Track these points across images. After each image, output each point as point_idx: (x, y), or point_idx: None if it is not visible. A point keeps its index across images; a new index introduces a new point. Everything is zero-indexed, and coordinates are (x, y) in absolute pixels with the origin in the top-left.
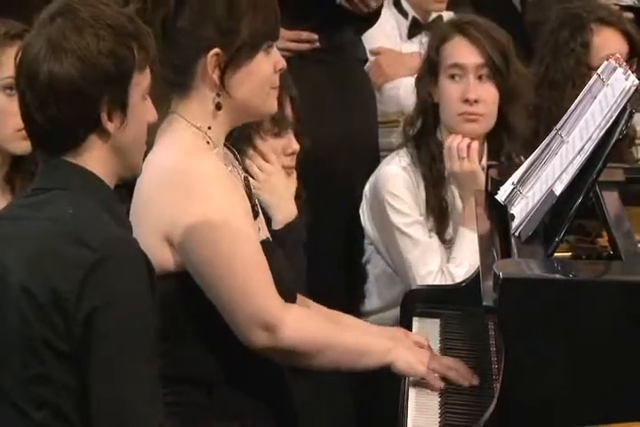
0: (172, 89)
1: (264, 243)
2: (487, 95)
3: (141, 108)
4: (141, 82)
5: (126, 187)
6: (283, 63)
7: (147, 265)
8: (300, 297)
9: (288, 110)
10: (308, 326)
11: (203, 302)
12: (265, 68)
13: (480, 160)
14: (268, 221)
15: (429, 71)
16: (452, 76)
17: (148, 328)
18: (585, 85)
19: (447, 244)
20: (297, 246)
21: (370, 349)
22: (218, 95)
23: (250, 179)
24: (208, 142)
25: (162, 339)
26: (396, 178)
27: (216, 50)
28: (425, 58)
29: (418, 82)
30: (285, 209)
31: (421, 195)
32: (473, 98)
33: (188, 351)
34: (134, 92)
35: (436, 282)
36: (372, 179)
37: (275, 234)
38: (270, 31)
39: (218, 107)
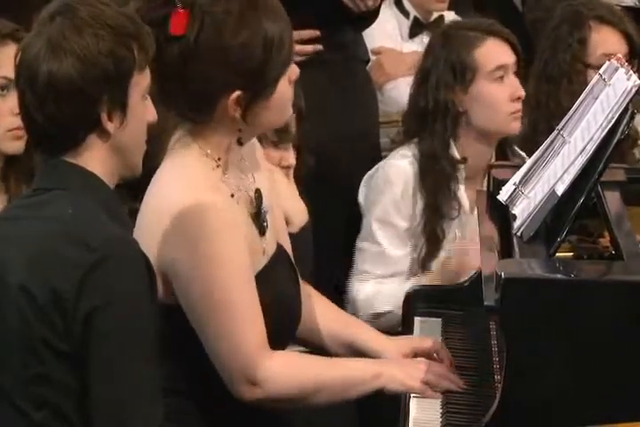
0: (185, 120)
1: (267, 270)
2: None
3: (141, 107)
4: (141, 82)
5: (127, 187)
6: (296, 72)
7: (146, 265)
8: (307, 289)
9: (292, 123)
10: (293, 374)
11: (191, 334)
12: (285, 91)
13: (489, 160)
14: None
15: (459, 79)
16: (498, 78)
17: (148, 328)
18: (580, 82)
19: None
20: (310, 249)
21: (359, 379)
22: (239, 131)
23: (263, 191)
24: (218, 166)
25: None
26: (399, 175)
27: (238, 92)
28: (449, 68)
29: (435, 92)
30: (298, 210)
31: (420, 198)
32: (523, 94)
33: (182, 366)
34: (134, 92)
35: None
36: (370, 179)
37: (290, 238)
38: (289, 59)
39: (240, 142)
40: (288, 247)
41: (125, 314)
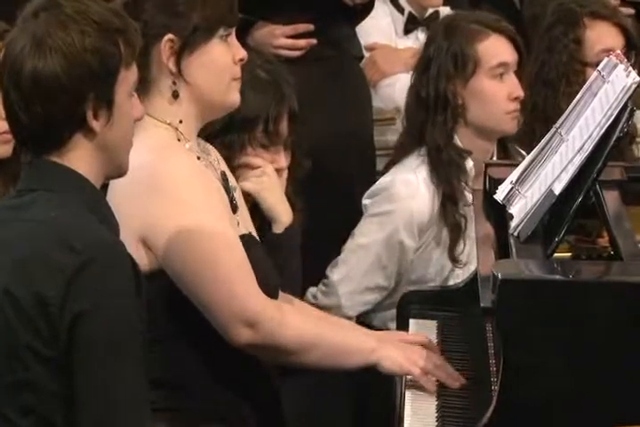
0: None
1: (244, 237)
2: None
3: (128, 105)
4: (128, 78)
5: None
6: (243, 53)
7: (133, 267)
8: (287, 296)
9: (284, 125)
10: (293, 323)
11: (180, 300)
12: (222, 55)
13: (491, 159)
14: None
15: (460, 71)
16: (498, 76)
17: (135, 332)
18: (579, 82)
19: (457, 263)
20: (296, 249)
21: (354, 348)
22: (174, 83)
23: (228, 174)
24: (179, 139)
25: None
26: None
27: (169, 35)
28: (450, 59)
29: (436, 82)
30: (286, 210)
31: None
32: (521, 95)
33: (169, 354)
34: (120, 90)
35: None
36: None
37: (275, 238)
38: (224, 16)
39: (174, 95)
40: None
41: (112, 318)
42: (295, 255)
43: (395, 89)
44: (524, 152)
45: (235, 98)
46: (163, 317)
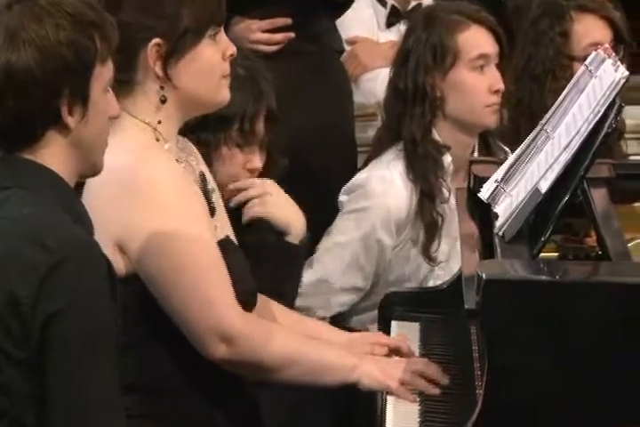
0: (115, 86)
1: (224, 242)
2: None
3: (103, 101)
4: (103, 74)
5: None
6: (232, 49)
7: (108, 267)
8: (265, 299)
9: (260, 124)
10: (272, 339)
11: (154, 305)
12: (211, 55)
13: (472, 154)
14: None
15: (439, 63)
16: (479, 68)
17: (110, 332)
18: (566, 77)
19: (432, 262)
20: (303, 260)
21: (333, 366)
22: (162, 88)
23: (207, 174)
24: (158, 139)
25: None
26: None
27: (156, 40)
28: (429, 50)
29: (414, 74)
30: (298, 221)
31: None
32: (502, 88)
33: (143, 359)
34: (96, 85)
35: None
36: (358, 183)
37: (294, 248)
38: (214, 15)
39: (162, 100)
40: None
41: (86, 319)
42: (301, 266)
43: (376, 84)
44: (507, 149)
45: (225, 95)
46: (137, 321)
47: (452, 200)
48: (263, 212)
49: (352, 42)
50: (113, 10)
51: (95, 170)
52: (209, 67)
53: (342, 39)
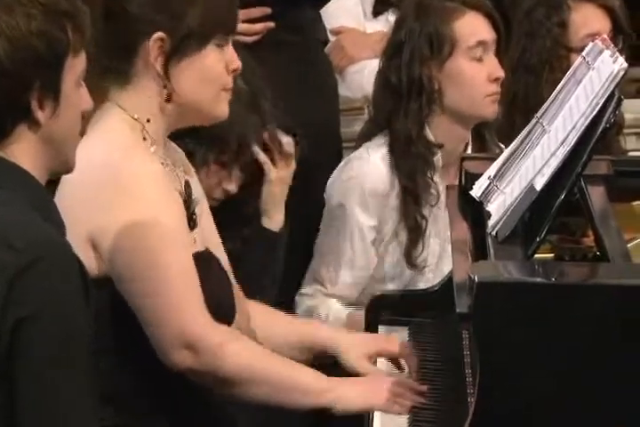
0: (109, 76)
1: (200, 255)
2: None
3: (75, 95)
4: (76, 66)
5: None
6: (237, 64)
7: (80, 269)
8: (255, 305)
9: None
10: (239, 353)
11: (125, 312)
12: (215, 64)
13: (465, 149)
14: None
15: (436, 53)
16: (477, 56)
17: (82, 337)
18: (563, 69)
19: (414, 267)
20: (282, 253)
21: (306, 388)
22: (165, 87)
23: (192, 183)
24: (145, 138)
25: None
26: (375, 172)
27: (160, 34)
28: (425, 40)
29: (409, 67)
30: (282, 210)
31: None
32: (502, 75)
33: (116, 368)
34: (68, 78)
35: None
36: (340, 174)
37: (272, 235)
38: (224, 22)
39: (168, 99)
40: (216, 249)
41: (58, 322)
42: (281, 259)
43: (363, 76)
44: (502, 145)
45: (223, 109)
46: (109, 327)
47: (443, 198)
48: (282, 180)
49: (337, 32)
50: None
51: (67, 167)
52: (211, 74)
53: (326, 29)
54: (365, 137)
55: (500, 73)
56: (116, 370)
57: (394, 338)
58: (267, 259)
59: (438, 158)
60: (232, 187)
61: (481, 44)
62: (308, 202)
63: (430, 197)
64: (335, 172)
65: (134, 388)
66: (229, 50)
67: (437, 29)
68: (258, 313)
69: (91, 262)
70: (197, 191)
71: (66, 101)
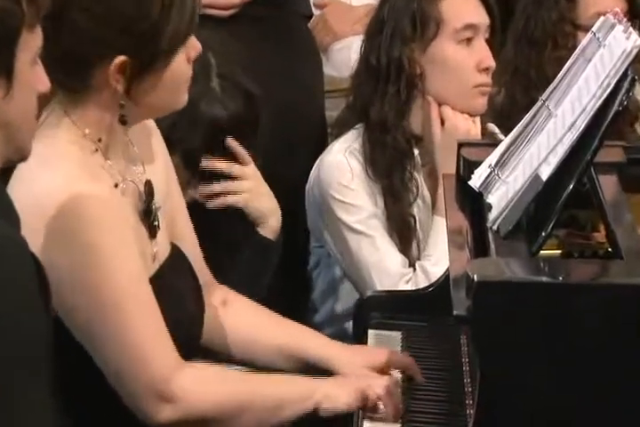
0: (57, 88)
1: (158, 279)
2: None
3: (30, 74)
4: (31, 43)
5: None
6: (197, 48)
7: (36, 267)
8: (247, 301)
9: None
10: (217, 390)
11: (80, 356)
12: (180, 67)
13: None
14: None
15: (419, 34)
16: (465, 41)
17: (37, 343)
18: (568, 47)
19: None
20: (274, 261)
21: (289, 399)
22: (121, 106)
23: (154, 184)
24: (97, 149)
25: None
26: (339, 167)
27: (122, 58)
28: (408, 18)
29: (389, 46)
30: (275, 214)
31: (376, 186)
32: (492, 65)
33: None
34: (22, 55)
35: (409, 286)
36: (314, 171)
37: (267, 242)
38: (189, 29)
39: (122, 121)
40: (189, 245)
41: (8, 327)
42: (272, 267)
43: (350, 54)
44: (497, 130)
45: (183, 100)
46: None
47: (427, 196)
48: (241, 203)
49: (321, 5)
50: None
51: (22, 154)
52: (177, 80)
53: (309, 2)
54: (342, 124)
55: (491, 62)
56: (68, 409)
57: (378, 351)
58: (259, 266)
59: (416, 155)
60: (193, 192)
61: (470, 27)
62: (291, 192)
63: (410, 195)
64: (313, 171)
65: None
66: (191, 40)
67: (422, 8)
68: (244, 312)
69: None
70: (162, 189)
71: (20, 82)
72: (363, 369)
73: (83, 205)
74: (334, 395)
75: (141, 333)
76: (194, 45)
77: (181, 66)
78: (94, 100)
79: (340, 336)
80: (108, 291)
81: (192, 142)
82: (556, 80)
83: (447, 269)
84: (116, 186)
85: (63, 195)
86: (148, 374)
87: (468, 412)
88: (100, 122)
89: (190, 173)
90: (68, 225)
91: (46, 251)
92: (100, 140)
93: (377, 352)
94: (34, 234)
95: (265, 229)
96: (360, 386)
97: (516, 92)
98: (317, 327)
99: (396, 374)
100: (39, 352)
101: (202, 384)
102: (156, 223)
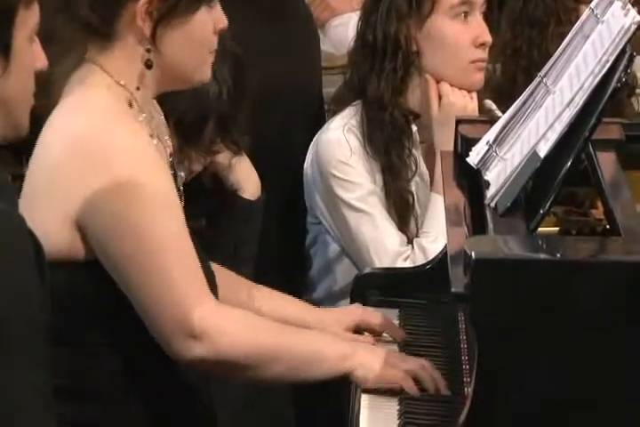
0: (86, 33)
1: None
2: None
3: (28, 52)
4: (28, 20)
5: (12, 149)
6: (224, 22)
7: (34, 246)
8: (244, 281)
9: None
10: (250, 332)
11: (116, 299)
12: (205, 25)
13: None
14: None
15: (415, 10)
16: (461, 16)
17: (36, 324)
18: (572, 21)
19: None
20: (259, 220)
21: (322, 356)
22: (148, 51)
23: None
24: (131, 105)
25: (54, 344)
26: (338, 144)
27: None
28: None
29: (385, 23)
30: (251, 178)
31: (374, 163)
32: (489, 41)
33: (88, 361)
34: (19, 32)
35: (406, 264)
36: (311, 148)
37: (249, 203)
38: None
39: (148, 65)
40: None
41: (6, 308)
42: (257, 231)
43: (348, 30)
44: (494, 106)
45: (207, 73)
46: (88, 316)
47: (425, 174)
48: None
49: None
50: None
51: (19, 131)
52: (200, 37)
53: None
54: (340, 101)
55: (487, 38)
56: (82, 363)
57: (372, 311)
58: (243, 230)
59: (414, 132)
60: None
61: (465, 2)
62: (286, 168)
63: (409, 172)
64: (311, 148)
65: (101, 383)
66: (217, 8)
67: None
68: (237, 286)
69: (77, 244)
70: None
71: (17, 59)
72: (345, 333)
73: (120, 145)
74: (371, 364)
75: (173, 265)
76: (221, 19)
77: (207, 27)
78: (121, 46)
79: None
80: (149, 224)
81: (180, 109)
82: (555, 56)
83: (445, 247)
84: (152, 136)
85: (104, 133)
86: (182, 306)
87: (465, 389)
88: (131, 68)
89: (188, 146)
90: (108, 167)
91: (82, 194)
92: (138, 89)
93: (354, 311)
94: (68, 181)
95: (243, 192)
96: (409, 366)
97: (518, 73)
98: (315, 305)
99: (394, 347)
100: (40, 317)
101: (237, 326)
102: (181, 191)
